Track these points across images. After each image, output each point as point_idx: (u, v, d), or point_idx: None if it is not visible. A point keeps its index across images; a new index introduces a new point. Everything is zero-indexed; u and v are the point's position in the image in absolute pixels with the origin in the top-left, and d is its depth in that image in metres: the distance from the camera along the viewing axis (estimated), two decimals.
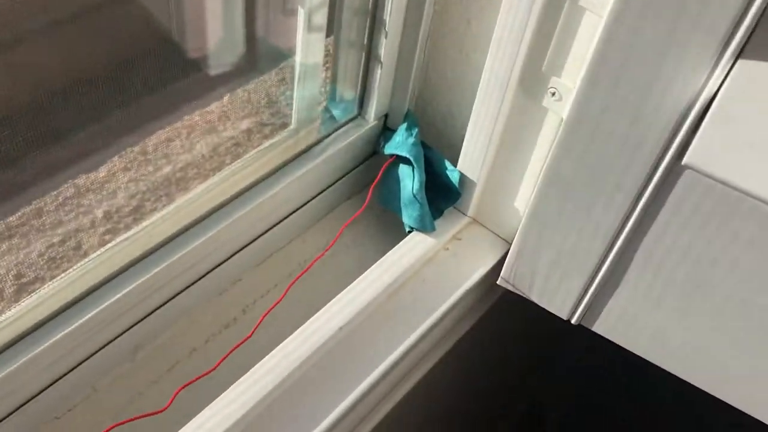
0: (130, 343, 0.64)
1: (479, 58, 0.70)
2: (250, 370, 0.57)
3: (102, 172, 0.69)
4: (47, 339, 0.57)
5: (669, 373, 0.68)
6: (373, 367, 0.63)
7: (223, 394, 0.55)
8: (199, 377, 0.52)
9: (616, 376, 1.38)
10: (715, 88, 0.49)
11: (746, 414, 0.63)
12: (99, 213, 0.69)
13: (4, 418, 0.57)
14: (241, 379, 0.56)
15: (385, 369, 0.64)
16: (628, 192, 0.57)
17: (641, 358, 0.68)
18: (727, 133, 0.49)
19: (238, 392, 0.56)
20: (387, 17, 0.68)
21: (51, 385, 0.59)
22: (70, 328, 0.58)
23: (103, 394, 0.61)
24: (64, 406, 0.61)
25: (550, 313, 0.70)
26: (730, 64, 0.49)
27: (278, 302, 0.57)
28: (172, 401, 0.50)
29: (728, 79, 0.48)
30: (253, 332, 0.55)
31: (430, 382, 0.76)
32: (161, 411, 0.50)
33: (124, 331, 0.62)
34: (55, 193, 0.65)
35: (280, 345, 0.60)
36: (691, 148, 0.51)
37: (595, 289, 0.64)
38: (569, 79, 0.60)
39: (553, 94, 0.62)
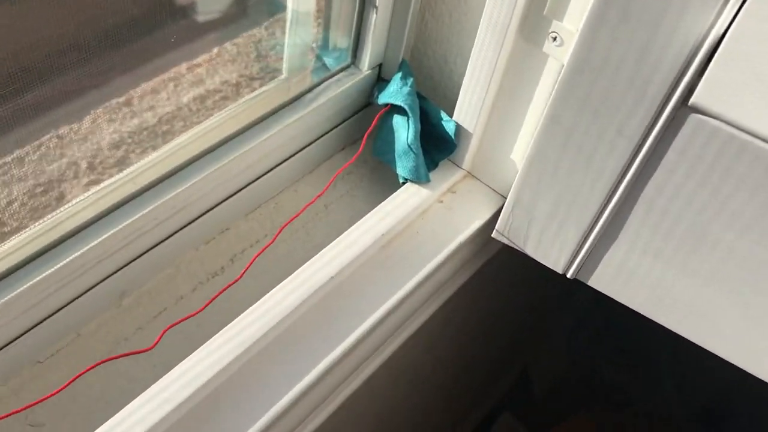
0: (115, 289, 0.62)
1: (478, 3, 0.68)
2: (239, 316, 0.55)
3: (86, 123, 0.67)
4: (29, 280, 0.55)
5: (664, 336, 0.67)
6: (363, 320, 0.62)
7: (211, 339, 0.53)
8: (186, 318, 0.50)
9: (610, 340, 1.38)
10: (726, 25, 0.48)
11: (742, 371, 0.62)
12: (83, 164, 0.67)
13: None
14: (230, 324, 0.54)
15: (375, 321, 0.62)
16: (630, 137, 0.55)
17: (637, 321, 0.66)
18: (737, 72, 0.48)
19: (225, 338, 0.54)
20: None
21: (34, 327, 0.57)
22: (53, 269, 0.56)
23: (87, 339, 0.59)
24: (47, 350, 0.59)
25: (548, 272, 0.68)
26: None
27: (269, 246, 0.55)
28: (158, 340, 0.49)
29: (740, 14, 0.47)
30: (242, 275, 0.53)
31: (421, 338, 0.75)
32: (147, 350, 0.49)
33: (110, 276, 0.61)
34: (37, 142, 0.63)
35: (270, 292, 0.58)
36: (698, 88, 0.49)
37: (593, 241, 0.63)
38: (572, 23, 0.59)
39: (555, 38, 0.60)
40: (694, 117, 0.52)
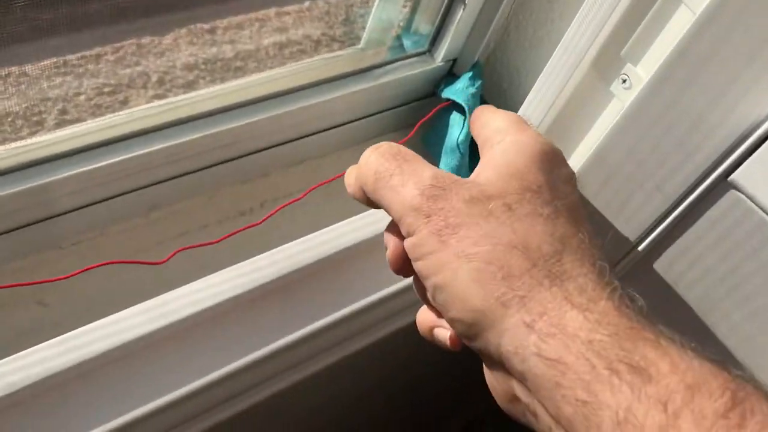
0: (147, 200, 0.65)
1: (564, 27, 0.68)
2: (252, 258, 0.58)
3: (167, 39, 0.69)
4: (74, 169, 0.58)
5: None
6: (355, 299, 0.63)
7: (219, 272, 0.56)
8: (201, 245, 0.53)
9: None
10: None
11: None
12: (154, 77, 0.69)
13: (6, 233, 0.59)
14: (242, 263, 0.57)
15: (364, 305, 0.63)
16: (668, 195, 0.56)
17: None
18: None
19: (234, 274, 0.57)
20: None
21: (65, 214, 0.60)
22: (97, 165, 0.59)
23: (109, 239, 0.63)
24: (69, 239, 0.62)
25: None
26: None
27: (296, 201, 0.58)
28: (170, 258, 0.52)
29: None
30: (263, 220, 0.56)
31: (394, 345, 0.75)
32: (158, 263, 0.51)
33: (146, 186, 0.63)
34: (117, 45, 0.66)
35: (286, 245, 0.60)
36: (741, 166, 0.50)
37: None
38: (644, 70, 0.59)
39: (624, 81, 0.61)
40: (733, 193, 0.52)
